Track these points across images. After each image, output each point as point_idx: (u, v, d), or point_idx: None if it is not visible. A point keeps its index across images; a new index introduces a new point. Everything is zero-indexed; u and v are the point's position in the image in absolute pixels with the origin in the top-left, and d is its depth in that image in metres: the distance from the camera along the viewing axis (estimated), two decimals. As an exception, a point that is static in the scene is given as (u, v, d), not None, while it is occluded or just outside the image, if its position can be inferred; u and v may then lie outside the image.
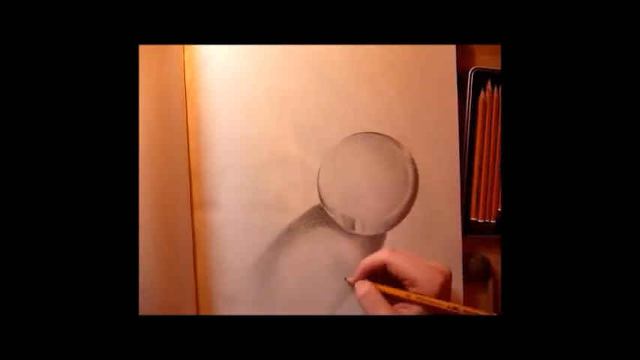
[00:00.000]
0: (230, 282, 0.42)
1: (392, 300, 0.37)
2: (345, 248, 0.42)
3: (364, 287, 0.38)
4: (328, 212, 0.42)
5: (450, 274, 0.37)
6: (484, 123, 0.43)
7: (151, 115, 0.38)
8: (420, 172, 0.42)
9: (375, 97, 0.42)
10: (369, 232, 0.42)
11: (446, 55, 0.43)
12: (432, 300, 0.36)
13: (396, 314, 0.36)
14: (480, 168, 0.43)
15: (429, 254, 0.42)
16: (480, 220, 0.43)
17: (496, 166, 0.43)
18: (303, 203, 0.42)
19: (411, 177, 0.42)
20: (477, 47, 0.44)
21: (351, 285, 0.40)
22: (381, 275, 0.39)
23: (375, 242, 0.42)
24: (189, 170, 0.42)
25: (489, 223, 0.43)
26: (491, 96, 0.43)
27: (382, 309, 0.37)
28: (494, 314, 0.38)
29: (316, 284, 0.42)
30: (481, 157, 0.43)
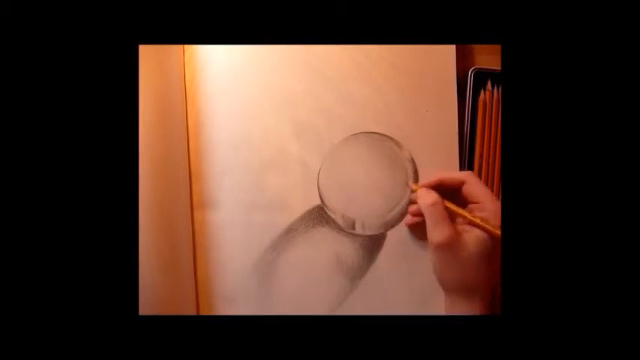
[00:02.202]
0: (230, 282, 0.42)
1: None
2: (345, 248, 0.42)
3: (433, 196, 0.37)
4: (328, 212, 0.42)
5: None
6: (484, 123, 0.43)
7: (151, 115, 0.38)
8: (419, 172, 0.42)
9: (375, 97, 0.42)
10: (369, 232, 0.42)
11: (446, 55, 0.43)
12: (497, 229, 0.35)
13: (454, 236, 0.36)
14: (480, 168, 0.43)
15: (428, 254, 0.42)
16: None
17: (496, 166, 0.43)
18: (303, 203, 0.42)
19: (411, 177, 0.42)
20: (476, 47, 0.44)
21: (413, 191, 0.40)
22: (447, 194, 0.38)
23: (375, 242, 0.42)
24: (189, 170, 0.42)
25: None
26: (491, 96, 0.43)
27: (445, 223, 0.36)
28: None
29: (316, 284, 0.42)
30: (481, 157, 0.43)
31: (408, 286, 0.42)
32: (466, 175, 0.38)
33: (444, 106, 0.42)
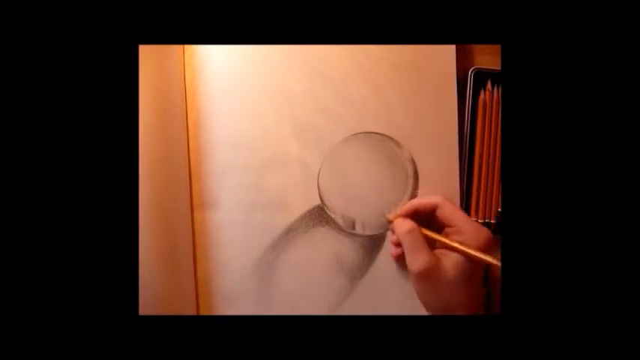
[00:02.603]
0: (230, 282, 0.42)
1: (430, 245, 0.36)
2: (345, 248, 0.42)
3: (408, 224, 0.37)
4: (328, 212, 0.42)
5: (494, 240, 0.36)
6: (484, 123, 0.43)
7: (151, 115, 0.38)
8: (420, 172, 0.42)
9: (375, 97, 0.42)
10: (369, 232, 0.42)
11: (446, 55, 0.43)
12: (475, 252, 0.34)
13: (433, 262, 0.35)
14: (480, 168, 0.43)
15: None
16: (479, 220, 0.43)
17: (496, 166, 0.43)
18: (303, 203, 0.42)
19: (411, 177, 0.42)
20: (476, 47, 0.44)
21: (390, 222, 0.39)
22: (424, 221, 0.38)
23: (375, 242, 0.42)
24: (189, 170, 0.42)
25: (489, 223, 0.43)
26: (491, 96, 0.43)
27: (424, 250, 0.35)
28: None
29: (316, 284, 0.42)
30: (481, 157, 0.43)
31: (408, 286, 0.42)
32: (438, 200, 0.37)
33: (444, 106, 0.42)
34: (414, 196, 0.42)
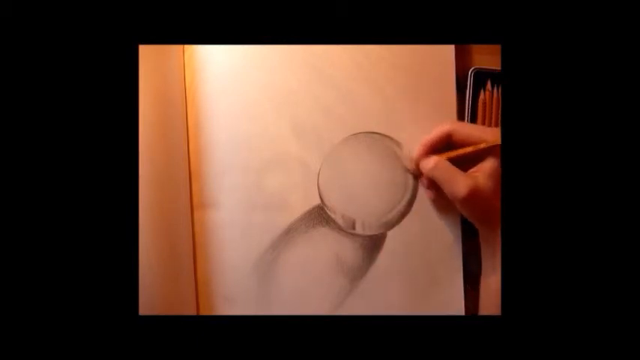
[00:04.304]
0: (230, 282, 0.42)
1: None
2: (345, 248, 0.42)
3: (432, 160, 0.38)
4: (328, 212, 0.42)
5: None
6: (484, 123, 0.43)
7: (151, 115, 0.38)
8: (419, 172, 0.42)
9: (375, 97, 0.42)
10: (369, 232, 0.42)
11: (445, 55, 0.43)
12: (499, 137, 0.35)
13: (473, 182, 0.36)
14: (480, 168, 0.43)
15: (428, 254, 0.42)
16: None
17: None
18: (303, 203, 0.42)
19: (410, 177, 0.42)
20: (476, 47, 0.44)
21: (411, 172, 0.40)
22: (444, 150, 0.39)
23: (375, 242, 0.42)
24: (189, 170, 0.42)
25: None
26: (491, 96, 0.43)
27: (459, 175, 0.36)
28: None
29: (316, 284, 0.42)
30: (481, 157, 0.43)
31: (408, 286, 0.42)
32: (449, 126, 0.38)
33: (444, 107, 0.42)
34: (413, 197, 0.42)
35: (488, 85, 0.43)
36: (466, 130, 0.38)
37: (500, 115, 0.43)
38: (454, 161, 0.38)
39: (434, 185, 0.39)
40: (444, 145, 0.39)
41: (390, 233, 0.42)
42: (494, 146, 0.36)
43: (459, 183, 0.36)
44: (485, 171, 0.36)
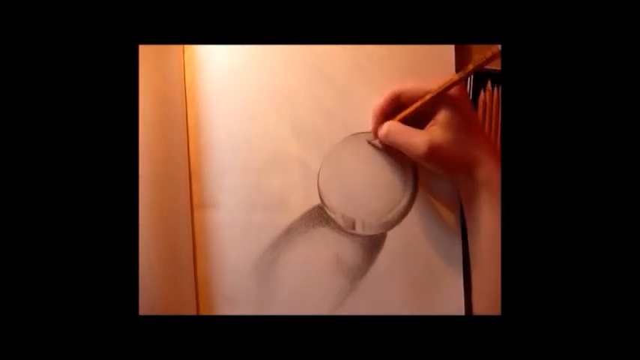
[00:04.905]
0: (230, 282, 0.42)
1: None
2: (345, 248, 0.42)
3: (384, 127, 0.38)
4: (328, 212, 0.42)
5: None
6: (484, 123, 0.43)
7: (151, 115, 0.38)
8: (419, 172, 0.42)
9: (375, 97, 0.42)
10: (369, 232, 0.42)
11: (445, 55, 0.43)
12: (445, 82, 0.35)
13: (430, 137, 0.36)
14: (480, 168, 0.43)
15: (428, 254, 0.42)
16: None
17: (496, 166, 0.43)
18: (303, 203, 0.42)
19: (410, 177, 0.42)
20: (476, 47, 0.44)
21: (373, 143, 0.41)
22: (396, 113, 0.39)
23: (375, 242, 0.42)
24: (189, 170, 0.42)
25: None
26: (491, 96, 0.43)
27: (413, 134, 0.37)
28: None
29: (316, 284, 0.42)
30: (481, 157, 0.43)
31: (408, 286, 0.42)
32: (394, 89, 0.38)
33: (444, 106, 0.42)
34: (412, 197, 0.42)
35: (489, 85, 0.43)
36: (412, 87, 0.38)
37: (500, 115, 0.43)
38: (410, 121, 0.38)
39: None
40: (395, 109, 0.39)
41: (390, 233, 0.42)
42: (441, 93, 0.36)
43: (417, 141, 0.36)
44: (439, 121, 0.36)
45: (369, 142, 0.42)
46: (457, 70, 0.43)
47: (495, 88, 0.43)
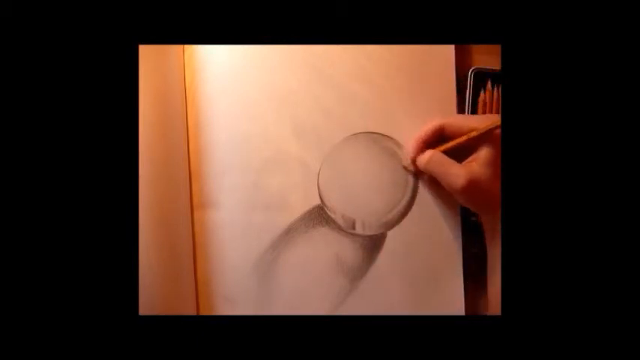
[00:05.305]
0: (230, 282, 0.42)
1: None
2: (345, 248, 0.42)
3: (426, 154, 0.38)
4: (328, 212, 0.42)
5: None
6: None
7: (151, 115, 0.38)
8: (419, 173, 0.42)
9: (375, 97, 0.42)
10: (369, 232, 0.42)
11: (445, 55, 0.43)
12: (491, 122, 0.36)
13: (469, 171, 0.36)
14: (480, 168, 0.43)
15: (428, 254, 0.42)
16: (480, 220, 0.43)
17: (496, 166, 0.43)
18: (303, 203, 0.42)
19: (411, 177, 0.42)
20: (476, 47, 0.44)
21: (408, 169, 0.41)
22: (437, 144, 0.39)
23: (375, 242, 0.42)
24: (189, 170, 0.42)
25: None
26: (491, 96, 0.43)
27: (454, 166, 0.37)
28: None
29: (316, 284, 0.42)
30: (481, 157, 0.43)
31: (408, 286, 0.42)
32: (440, 121, 0.39)
33: (444, 106, 0.42)
34: (412, 197, 0.42)
35: (489, 85, 0.43)
36: (457, 121, 0.38)
37: (500, 115, 0.43)
38: (450, 153, 0.38)
39: (434, 181, 0.40)
40: (437, 139, 0.39)
41: (390, 233, 0.42)
42: (486, 133, 0.36)
43: (455, 174, 0.36)
44: (481, 159, 0.36)
45: (404, 167, 0.42)
46: (457, 70, 0.43)
47: (495, 88, 0.43)
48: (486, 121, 0.36)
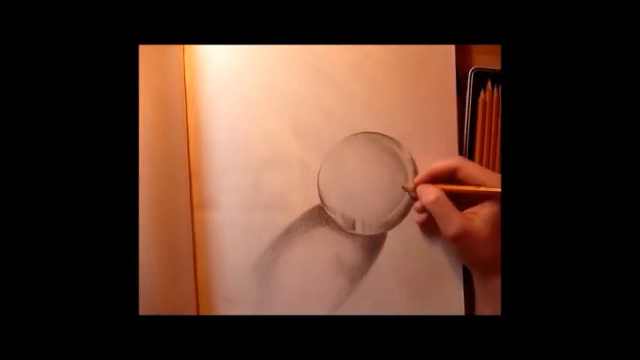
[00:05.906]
0: (230, 282, 0.42)
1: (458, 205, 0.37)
2: (345, 248, 0.42)
3: (433, 192, 0.38)
4: (328, 212, 0.42)
5: None
6: (484, 123, 0.43)
7: (151, 115, 0.38)
8: (419, 173, 0.42)
9: (375, 97, 0.42)
10: (369, 232, 0.42)
11: (445, 55, 0.43)
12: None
13: (466, 223, 0.36)
14: (480, 168, 0.43)
15: (429, 254, 0.42)
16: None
17: (496, 166, 0.43)
18: (303, 203, 0.42)
19: (410, 177, 0.42)
20: (476, 47, 0.44)
21: (409, 191, 0.41)
22: (445, 182, 0.39)
23: (375, 242, 0.42)
24: (189, 170, 0.42)
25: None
26: (491, 96, 0.43)
27: (454, 215, 0.36)
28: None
29: (316, 284, 0.42)
30: (481, 157, 0.43)
31: (408, 286, 0.42)
32: (457, 161, 0.38)
33: (444, 106, 0.42)
34: (414, 196, 0.42)
35: (489, 85, 0.43)
36: (472, 169, 0.38)
37: (500, 115, 0.43)
38: (451, 195, 0.38)
39: (426, 212, 0.40)
40: (446, 177, 0.39)
41: (390, 233, 0.42)
42: (494, 193, 0.36)
43: (453, 221, 0.36)
44: (483, 216, 0.36)
45: (404, 187, 0.41)
46: (457, 70, 0.43)
47: (495, 88, 0.43)
48: (497, 179, 0.36)
